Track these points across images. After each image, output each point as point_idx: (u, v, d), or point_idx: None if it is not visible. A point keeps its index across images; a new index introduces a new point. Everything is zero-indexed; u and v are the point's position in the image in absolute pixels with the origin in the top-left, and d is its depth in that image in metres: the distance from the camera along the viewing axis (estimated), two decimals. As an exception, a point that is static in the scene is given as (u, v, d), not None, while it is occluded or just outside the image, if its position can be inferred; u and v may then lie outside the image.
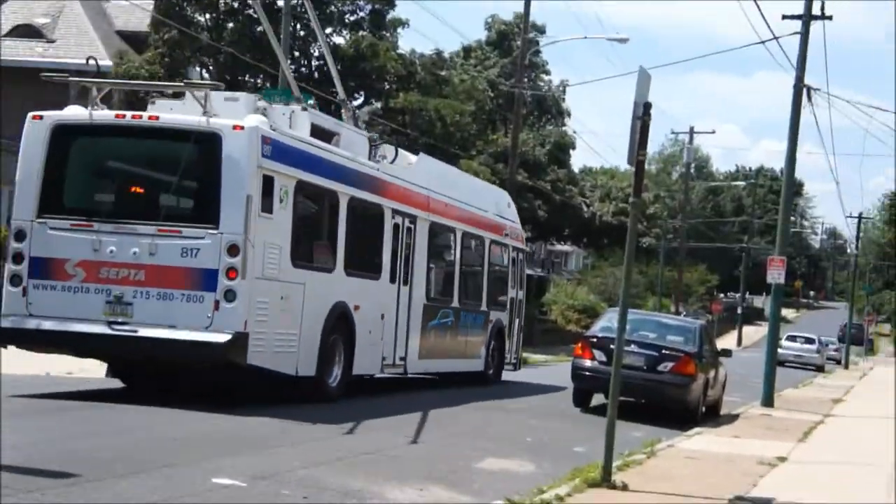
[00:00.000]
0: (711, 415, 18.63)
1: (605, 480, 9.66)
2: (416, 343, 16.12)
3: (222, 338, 11.34)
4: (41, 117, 12.16)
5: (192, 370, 12.49)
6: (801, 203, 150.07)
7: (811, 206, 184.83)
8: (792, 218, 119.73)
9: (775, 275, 22.95)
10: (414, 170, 16.38)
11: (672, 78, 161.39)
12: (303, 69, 27.49)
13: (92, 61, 12.89)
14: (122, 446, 9.28)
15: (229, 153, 11.43)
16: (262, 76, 27.04)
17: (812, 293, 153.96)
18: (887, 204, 37.01)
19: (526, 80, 43.06)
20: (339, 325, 13.30)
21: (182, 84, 13.29)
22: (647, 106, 9.88)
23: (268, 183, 11.77)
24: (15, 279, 11.90)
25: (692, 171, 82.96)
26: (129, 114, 12.35)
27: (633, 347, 16.68)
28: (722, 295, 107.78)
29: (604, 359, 16.41)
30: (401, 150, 16.54)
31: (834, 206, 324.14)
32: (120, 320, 11.58)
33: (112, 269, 11.67)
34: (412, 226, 15.86)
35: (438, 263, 17.31)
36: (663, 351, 16.97)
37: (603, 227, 44.01)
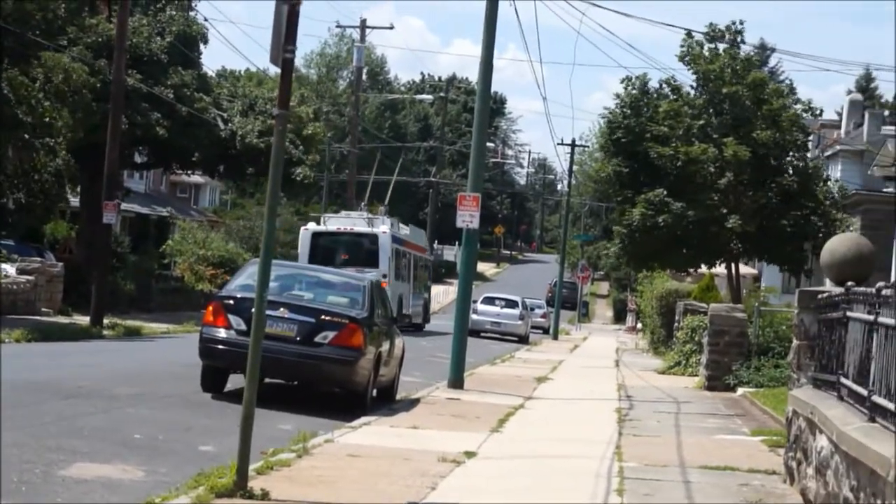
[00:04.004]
0: (385, 399, 19.31)
1: (240, 487, 9.80)
2: (416, 305, 48.97)
3: None
4: (308, 229, 44.69)
5: None
6: (504, 125, 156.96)
7: (516, 129, 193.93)
8: (491, 144, 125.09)
9: (467, 217, 23.40)
10: (406, 231, 49.68)
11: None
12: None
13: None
14: None
15: (382, 241, 43.35)
16: None
17: (521, 244, 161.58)
18: (604, 128, 39.04)
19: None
20: (401, 302, 43.56)
21: (365, 217, 45.57)
22: (299, -14, 10.02)
23: (392, 251, 43.91)
24: None
25: (364, 78, 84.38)
26: (344, 227, 44.58)
27: (281, 312, 16.93)
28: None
29: (243, 327, 16.53)
30: (398, 222, 49.17)
31: (544, 129, 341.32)
32: None
33: None
34: (408, 259, 47.85)
35: (410, 270, 47.99)
36: (322, 316, 17.32)
37: (246, 150, 43.81)
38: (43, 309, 33.73)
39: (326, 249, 42.66)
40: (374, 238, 43.25)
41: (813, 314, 12.54)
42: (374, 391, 18.46)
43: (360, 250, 43.47)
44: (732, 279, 35.33)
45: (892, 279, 25.43)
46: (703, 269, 38.77)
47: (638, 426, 18.07)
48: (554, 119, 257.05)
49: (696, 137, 33.48)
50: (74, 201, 45.35)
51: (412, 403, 19.59)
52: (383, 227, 44.03)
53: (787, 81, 37.78)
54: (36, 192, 32.78)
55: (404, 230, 49.45)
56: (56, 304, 35.26)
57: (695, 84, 35.33)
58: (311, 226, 45.03)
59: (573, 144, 75.56)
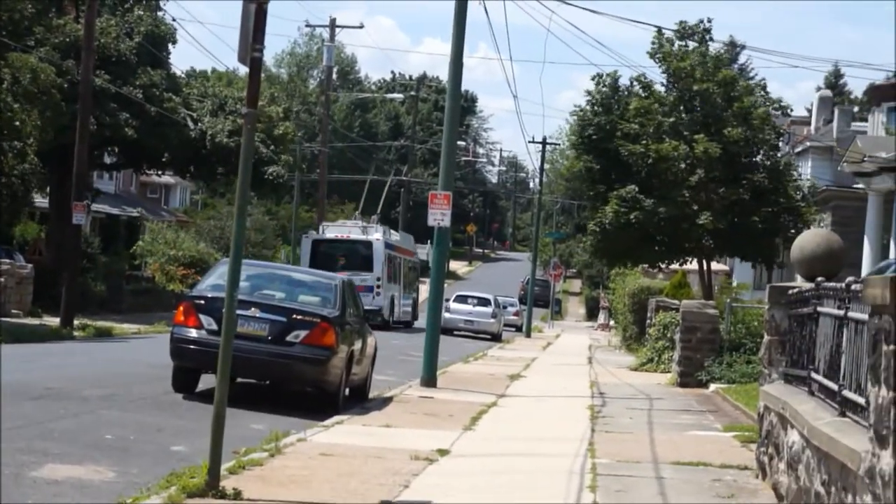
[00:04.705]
0: (357, 398, 19.32)
1: (212, 487, 9.79)
2: (405, 305, 55.47)
3: (378, 307, 47.35)
4: (308, 237, 50.62)
5: None
6: (475, 124, 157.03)
7: (487, 127, 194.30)
8: (462, 142, 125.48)
9: (438, 215, 23.45)
10: (397, 237, 55.87)
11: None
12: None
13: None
14: None
15: (376, 248, 49.30)
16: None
17: (493, 242, 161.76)
18: (575, 126, 39.09)
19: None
20: (393, 302, 51.39)
21: (360, 225, 51.13)
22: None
23: (385, 256, 49.83)
24: None
25: (334, 77, 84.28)
26: (341, 235, 50.37)
27: (253, 311, 16.91)
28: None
29: (214, 327, 16.48)
30: (389, 229, 57.19)
31: (515, 127, 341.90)
32: None
33: None
34: (399, 261, 53.61)
35: (400, 272, 53.53)
36: (294, 316, 17.31)
37: (217, 150, 43.72)
38: (13, 311, 33.57)
39: (325, 255, 46.99)
40: (368, 244, 48.99)
41: (784, 310, 12.58)
42: (347, 390, 18.45)
43: (356, 256, 48.56)
44: (704, 276, 35.43)
45: (862, 275, 25.55)
46: (675, 265, 38.89)
47: (611, 423, 18.11)
48: (525, 117, 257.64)
49: (666, 135, 33.52)
50: (44, 202, 45.15)
51: (385, 402, 19.59)
52: (376, 235, 49.64)
53: (759, 79, 37.83)
54: (3, 196, 32.60)
55: (395, 236, 55.27)
56: (26, 305, 35.11)
57: (665, 81, 35.42)
58: (312, 234, 51.21)
59: (544, 142, 75.53)
